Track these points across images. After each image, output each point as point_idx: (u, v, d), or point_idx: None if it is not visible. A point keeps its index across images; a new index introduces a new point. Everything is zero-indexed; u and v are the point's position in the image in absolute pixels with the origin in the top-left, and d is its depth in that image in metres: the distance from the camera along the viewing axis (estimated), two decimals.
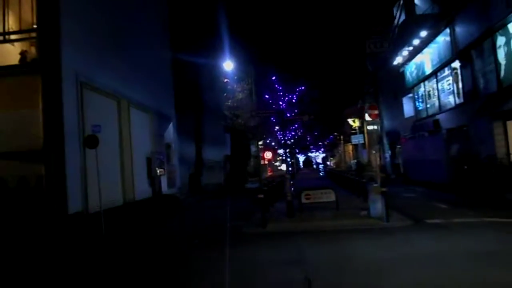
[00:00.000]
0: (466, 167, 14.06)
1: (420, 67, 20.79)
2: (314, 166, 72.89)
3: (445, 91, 18.39)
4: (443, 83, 18.58)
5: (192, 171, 23.86)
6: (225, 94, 29.46)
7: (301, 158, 78.30)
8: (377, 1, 26.37)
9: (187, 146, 23.43)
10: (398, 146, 25.19)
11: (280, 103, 31.72)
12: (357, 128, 41.49)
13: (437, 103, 19.31)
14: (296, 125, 39.74)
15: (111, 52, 13.66)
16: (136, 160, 15.06)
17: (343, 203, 11.45)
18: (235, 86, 30.00)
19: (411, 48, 20.12)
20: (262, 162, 33.15)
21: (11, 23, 11.96)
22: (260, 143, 31.08)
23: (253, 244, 8.12)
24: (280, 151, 55.58)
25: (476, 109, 14.61)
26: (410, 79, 22.64)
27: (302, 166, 72.92)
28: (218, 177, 25.62)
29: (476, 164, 13.64)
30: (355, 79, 36.78)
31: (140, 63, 16.05)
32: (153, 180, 16.66)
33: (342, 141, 55.65)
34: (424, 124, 19.83)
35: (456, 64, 16.70)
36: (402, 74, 23.47)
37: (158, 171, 16.86)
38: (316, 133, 55.73)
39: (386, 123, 28.22)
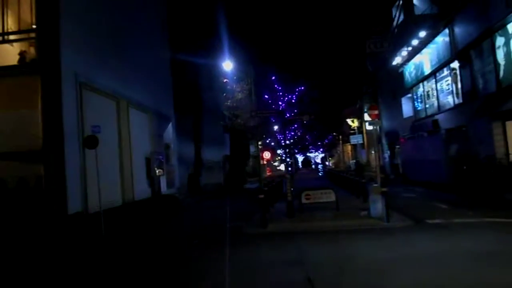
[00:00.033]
0: (465, 167, 14.09)
1: (419, 67, 20.83)
2: (313, 166, 72.96)
3: (444, 91, 18.42)
4: (442, 83, 18.61)
5: (191, 171, 23.84)
6: (224, 94, 29.44)
7: (300, 158, 78.38)
8: (376, 1, 26.40)
9: (186, 146, 23.41)
10: (397, 146, 25.22)
11: (280, 103, 31.76)
12: (356, 128, 41.55)
13: (436, 103, 19.34)
14: (295, 125, 39.77)
15: (111, 52, 13.65)
16: (136, 161, 15.05)
17: (343, 203, 11.46)
18: (234, 86, 29.98)
19: (410, 48, 20.16)
20: (261, 162, 33.12)
21: (10, 23, 11.92)
22: (260, 143, 31.05)
23: (253, 244, 8.12)
24: (279, 151, 55.62)
25: (475, 109, 14.64)
26: (409, 79, 22.68)
27: (301, 166, 73.00)
28: (217, 177, 25.62)
29: (475, 164, 13.67)
30: (354, 79, 36.85)
31: (140, 63, 16.04)
32: (152, 180, 16.65)
33: (341, 141, 55.72)
34: (423, 124, 19.86)
35: (455, 64, 16.73)
36: (401, 74, 23.51)
37: (157, 171, 16.85)
38: (315, 133, 55.74)
39: (385, 123, 28.26)
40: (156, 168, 16.77)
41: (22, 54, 11.55)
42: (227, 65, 24.14)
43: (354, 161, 37.99)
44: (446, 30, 16.81)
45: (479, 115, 14.26)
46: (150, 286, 5.87)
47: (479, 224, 8.63)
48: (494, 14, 12.96)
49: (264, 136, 36.99)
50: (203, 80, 24.97)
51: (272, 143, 46.86)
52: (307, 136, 54.32)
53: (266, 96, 32.85)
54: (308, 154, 79.84)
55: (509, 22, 12.52)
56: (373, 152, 35.24)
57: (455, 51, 16.22)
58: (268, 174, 44.96)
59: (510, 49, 12.69)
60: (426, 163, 17.04)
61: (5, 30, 11.64)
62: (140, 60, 16.14)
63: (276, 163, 64.37)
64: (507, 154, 12.90)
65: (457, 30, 16.06)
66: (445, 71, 18.04)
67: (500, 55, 13.32)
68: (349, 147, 52.46)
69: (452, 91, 17.38)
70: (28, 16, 11.57)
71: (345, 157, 56.40)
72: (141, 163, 15.84)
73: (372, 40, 23.28)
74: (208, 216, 13.94)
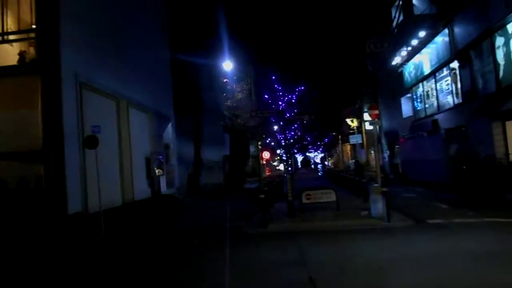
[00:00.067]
0: (465, 167, 14.10)
1: (418, 67, 20.85)
2: (312, 166, 73.01)
3: (444, 91, 18.45)
4: (441, 83, 18.63)
5: (190, 171, 23.83)
6: (224, 94, 29.43)
7: (299, 158, 78.45)
8: (376, 1, 26.41)
9: (185, 146, 23.40)
10: (397, 146, 25.24)
11: (280, 103, 31.76)
12: (355, 128, 41.58)
13: (435, 103, 19.36)
14: (295, 125, 39.79)
15: (111, 52, 13.64)
16: (135, 161, 15.05)
17: (343, 203, 11.46)
18: (234, 86, 29.97)
19: (409, 48, 20.18)
20: (260, 162, 33.16)
21: (10, 23, 11.91)
22: (259, 143, 31.04)
23: (254, 244, 8.12)
24: (279, 151, 55.63)
25: (475, 109, 14.66)
26: (409, 79, 22.70)
27: (300, 166, 73.06)
28: (217, 177, 25.62)
29: (475, 164, 13.69)
30: (354, 79, 36.88)
31: (139, 63, 16.03)
32: (152, 180, 16.65)
33: (340, 141, 55.76)
34: (423, 124, 19.87)
35: (455, 64, 16.75)
36: (401, 74, 23.54)
37: (157, 171, 16.85)
38: (315, 133, 55.78)
39: (385, 123, 28.29)
40: (156, 168, 16.77)
41: (22, 54, 11.53)
42: (227, 65, 24.12)
43: (354, 161, 38.01)
44: (446, 30, 16.82)
45: (478, 115, 14.28)
46: (151, 286, 5.87)
47: (479, 224, 8.64)
48: (494, 14, 12.97)
49: (264, 136, 37.00)
50: (203, 80, 24.96)
51: (272, 143, 46.86)
52: (307, 137, 54.36)
53: (266, 96, 32.86)
54: (307, 154, 79.92)
55: (508, 22, 12.54)
56: (372, 152, 35.28)
57: (455, 51, 16.24)
58: (267, 174, 44.97)
59: (509, 49, 12.70)
60: (426, 163, 17.06)
61: (5, 30, 11.62)
62: (140, 60, 16.14)
63: (275, 163, 64.41)
64: (507, 154, 12.91)
65: (457, 30, 16.08)
66: (445, 71, 18.06)
67: (500, 55, 13.34)
68: (348, 147, 52.51)
69: (452, 91, 17.39)
70: (28, 16, 11.56)
71: (344, 157, 56.44)
72: (141, 163, 15.83)
73: (372, 40, 23.28)
74: (208, 216, 13.93)
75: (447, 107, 17.97)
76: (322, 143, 65.84)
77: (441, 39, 17.53)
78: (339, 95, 47.39)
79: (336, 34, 68.05)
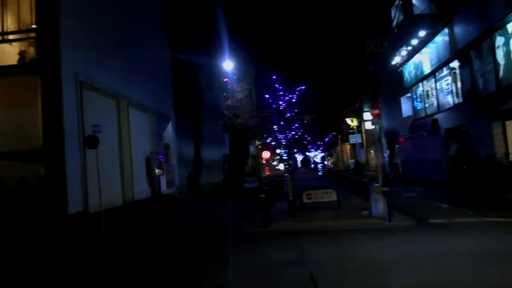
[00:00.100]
0: (465, 166, 14.11)
1: (418, 67, 20.85)
2: (312, 166, 72.95)
3: (444, 91, 18.45)
4: (441, 83, 18.64)
5: (190, 171, 23.82)
6: (224, 94, 29.43)
7: (299, 157, 78.41)
8: (376, 1, 26.41)
9: (185, 146, 23.39)
10: (397, 146, 25.25)
11: (280, 102, 31.76)
12: (355, 127, 41.62)
13: (435, 103, 19.37)
14: (296, 125, 39.80)
15: (111, 52, 13.62)
16: (136, 160, 15.03)
17: (344, 203, 11.46)
18: (234, 85, 29.98)
19: (409, 48, 20.18)
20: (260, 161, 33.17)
21: (10, 23, 11.89)
22: (259, 142, 31.05)
23: (255, 244, 8.13)
24: (278, 151, 55.63)
25: (475, 109, 14.67)
26: (409, 79, 22.71)
27: (300, 166, 73.03)
28: (216, 176, 25.60)
29: (475, 164, 13.70)
30: (354, 79, 36.90)
31: (140, 63, 16.01)
32: (152, 180, 16.64)
33: (340, 141, 55.77)
34: (423, 124, 19.88)
35: (455, 64, 16.76)
36: (401, 74, 23.55)
37: (157, 171, 16.84)
38: (316, 133, 55.78)
39: (385, 123, 28.29)
40: (156, 168, 16.76)
41: (21, 54, 11.50)
42: (228, 64, 24.12)
43: (353, 160, 38.07)
44: (446, 30, 16.83)
45: (479, 114, 14.29)
46: (151, 286, 5.87)
47: (479, 223, 8.65)
48: (494, 14, 12.98)
49: (264, 135, 37.00)
50: (203, 79, 24.94)
51: (273, 143, 46.87)
52: (307, 136, 54.34)
53: (267, 96, 32.86)
54: (307, 153, 79.87)
55: (508, 22, 12.55)
56: (372, 151, 35.32)
57: (455, 51, 16.24)
58: (267, 173, 44.95)
59: (509, 48, 12.71)
60: (426, 163, 17.07)
61: (5, 30, 11.61)
62: (140, 60, 16.12)
63: (274, 163, 64.39)
64: (507, 153, 12.92)
65: (457, 29, 16.08)
66: (445, 71, 18.06)
67: (500, 54, 13.35)
68: (348, 147, 52.54)
69: (452, 90, 17.40)
70: (28, 16, 11.54)
71: (344, 156, 56.48)
72: (141, 163, 15.82)
73: (373, 40, 23.30)
74: (208, 215, 13.93)
75: (447, 106, 17.98)
76: (322, 143, 65.85)
77: (441, 39, 17.54)
78: (339, 95, 47.42)
79: (336, 34, 68.07)
